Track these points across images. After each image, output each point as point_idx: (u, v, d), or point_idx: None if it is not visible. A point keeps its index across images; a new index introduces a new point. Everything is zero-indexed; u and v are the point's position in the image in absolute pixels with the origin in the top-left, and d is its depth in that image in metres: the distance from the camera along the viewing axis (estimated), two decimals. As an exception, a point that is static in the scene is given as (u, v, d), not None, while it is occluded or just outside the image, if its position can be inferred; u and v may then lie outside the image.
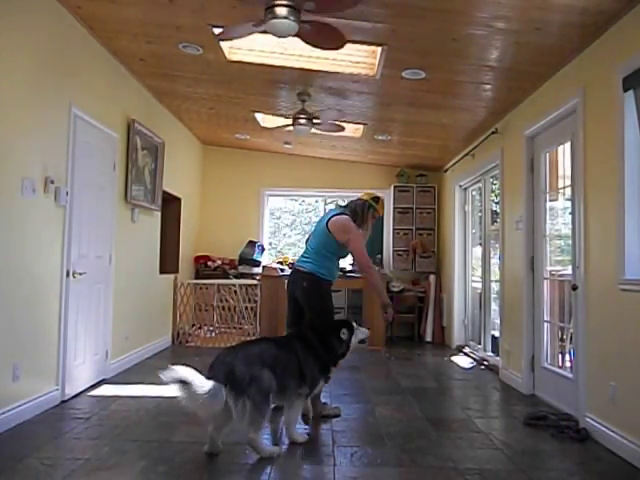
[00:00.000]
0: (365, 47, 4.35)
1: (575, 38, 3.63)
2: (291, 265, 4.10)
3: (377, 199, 4.09)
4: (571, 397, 3.95)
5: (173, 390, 2.74)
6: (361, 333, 3.70)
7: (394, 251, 8.24)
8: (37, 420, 3.58)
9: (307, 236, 4.31)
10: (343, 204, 4.21)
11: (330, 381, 3.69)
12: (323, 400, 3.92)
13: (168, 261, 6.87)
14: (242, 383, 2.89)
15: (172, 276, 7.03)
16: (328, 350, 3.51)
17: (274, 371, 3.06)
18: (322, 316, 3.78)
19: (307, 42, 3.55)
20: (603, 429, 3.42)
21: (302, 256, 4.03)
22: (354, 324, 3.70)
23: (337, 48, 3.67)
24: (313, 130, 5.59)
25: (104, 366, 4.81)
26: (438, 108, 5.48)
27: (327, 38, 3.48)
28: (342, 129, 5.67)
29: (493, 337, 6.17)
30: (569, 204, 4.26)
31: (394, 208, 8.23)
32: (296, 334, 3.64)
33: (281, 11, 3.14)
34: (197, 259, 8.01)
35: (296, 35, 3.37)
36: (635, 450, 3.07)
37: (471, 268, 7.11)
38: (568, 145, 4.22)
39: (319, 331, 3.57)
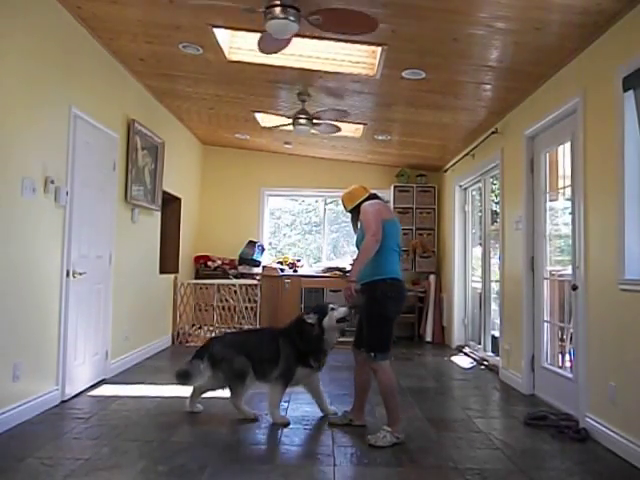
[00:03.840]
0: (365, 47, 4.35)
1: (575, 38, 3.63)
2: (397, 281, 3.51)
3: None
4: (571, 397, 3.95)
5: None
6: (338, 313, 3.73)
7: (394, 251, 8.22)
8: (37, 420, 3.58)
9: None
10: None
11: (321, 370, 3.86)
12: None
13: (168, 261, 6.87)
14: (217, 360, 3.74)
15: (172, 276, 7.03)
16: (303, 339, 3.74)
17: (250, 357, 3.73)
18: None
19: (331, 31, 3.50)
20: (603, 429, 3.42)
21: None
22: (331, 306, 3.78)
23: (369, 30, 3.45)
24: (315, 130, 5.59)
25: (104, 366, 4.81)
26: (438, 108, 5.48)
27: (350, 23, 3.36)
28: (339, 129, 5.66)
29: (493, 337, 6.17)
30: (569, 204, 4.25)
31: (394, 208, 8.21)
32: (283, 328, 3.96)
33: (280, 11, 3.14)
34: (197, 259, 8.01)
35: (316, 31, 3.35)
36: (635, 450, 3.07)
37: (471, 268, 7.11)
38: (568, 145, 4.22)
39: (295, 322, 3.88)
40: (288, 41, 3.60)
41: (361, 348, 3.58)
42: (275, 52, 3.86)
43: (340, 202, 3.94)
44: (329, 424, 3.74)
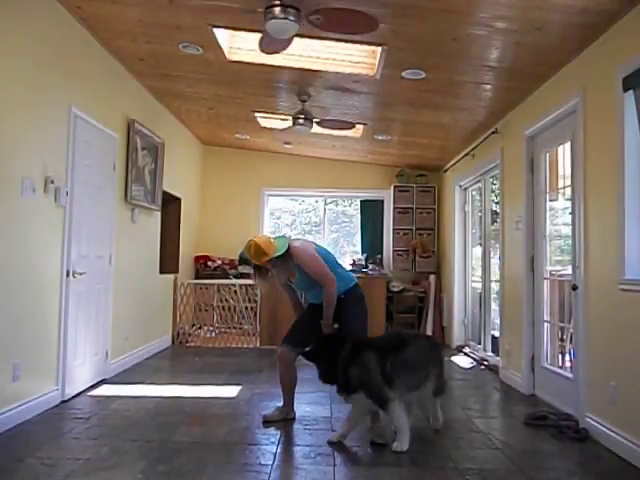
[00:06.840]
0: (365, 47, 4.34)
1: (575, 38, 3.63)
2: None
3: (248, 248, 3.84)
4: (571, 397, 3.95)
5: None
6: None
7: (394, 251, 8.24)
8: (37, 420, 3.58)
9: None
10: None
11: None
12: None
13: (168, 261, 6.87)
14: None
15: (172, 276, 7.03)
16: None
17: None
18: None
19: (331, 31, 3.52)
20: (603, 429, 3.42)
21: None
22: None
23: (369, 30, 3.46)
24: (314, 130, 5.57)
25: (104, 366, 4.81)
26: (438, 108, 5.47)
27: (350, 22, 3.35)
28: (352, 126, 5.56)
29: (493, 337, 6.17)
30: (569, 204, 4.25)
31: (394, 208, 8.24)
32: None
33: (280, 11, 3.14)
34: (197, 259, 8.01)
35: (316, 30, 3.35)
36: (635, 450, 3.07)
37: (471, 268, 7.11)
38: (568, 145, 4.22)
39: None
40: (289, 41, 3.59)
41: (296, 347, 3.66)
42: (276, 52, 3.86)
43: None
44: (264, 422, 3.69)
